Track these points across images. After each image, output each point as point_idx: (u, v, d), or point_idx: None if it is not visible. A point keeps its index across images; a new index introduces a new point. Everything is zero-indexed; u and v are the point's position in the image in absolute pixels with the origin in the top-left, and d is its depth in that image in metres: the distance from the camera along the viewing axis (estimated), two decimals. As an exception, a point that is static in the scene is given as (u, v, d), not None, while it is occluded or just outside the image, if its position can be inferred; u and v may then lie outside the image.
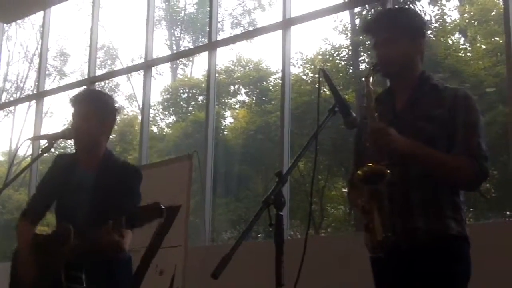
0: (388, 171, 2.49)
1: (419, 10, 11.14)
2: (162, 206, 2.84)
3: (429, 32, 2.77)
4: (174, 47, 16.94)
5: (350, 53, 13.09)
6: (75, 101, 3.41)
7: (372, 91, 2.65)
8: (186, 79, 16.53)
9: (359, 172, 2.52)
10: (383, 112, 2.67)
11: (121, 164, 3.46)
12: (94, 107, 3.37)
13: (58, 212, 3.41)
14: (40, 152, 3.49)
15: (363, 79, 2.70)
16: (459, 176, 2.57)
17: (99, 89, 9.11)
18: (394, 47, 2.69)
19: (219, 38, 8.29)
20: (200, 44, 16.59)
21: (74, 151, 3.55)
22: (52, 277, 3.10)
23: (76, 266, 3.12)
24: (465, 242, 2.60)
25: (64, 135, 3.37)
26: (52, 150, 4.63)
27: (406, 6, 9.78)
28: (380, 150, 2.54)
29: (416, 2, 10.73)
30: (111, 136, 3.57)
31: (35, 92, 10.87)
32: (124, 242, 3.06)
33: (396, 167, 2.56)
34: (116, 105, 3.53)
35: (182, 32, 17.28)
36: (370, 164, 2.49)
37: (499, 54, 10.96)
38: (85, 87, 8.73)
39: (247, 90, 15.47)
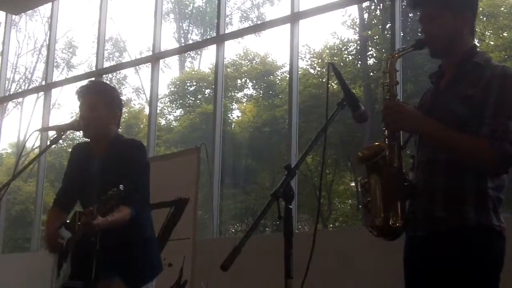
0: (385, 147, 2.46)
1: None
2: (120, 187, 2.91)
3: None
4: (182, 40, 16.92)
5: (358, 47, 13.05)
6: (82, 92, 3.45)
7: (395, 71, 2.55)
8: (193, 72, 16.51)
9: (359, 153, 2.52)
10: (431, 92, 2.62)
11: (124, 142, 3.48)
12: (100, 97, 3.41)
13: (80, 201, 3.50)
14: (48, 143, 3.53)
15: (390, 56, 2.58)
16: (475, 159, 2.37)
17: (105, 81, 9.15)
18: (435, 24, 2.52)
19: (227, 31, 8.29)
20: (208, 37, 16.58)
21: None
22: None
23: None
24: (490, 233, 2.38)
25: (73, 126, 3.43)
26: (61, 141, 4.66)
27: None
28: (390, 129, 2.49)
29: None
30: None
31: (43, 83, 10.90)
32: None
33: (425, 150, 2.51)
34: (122, 97, 3.56)
35: (191, 25, 17.25)
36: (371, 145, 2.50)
37: (508, 49, 10.91)
38: (92, 79, 8.75)
39: (254, 83, 15.45)
